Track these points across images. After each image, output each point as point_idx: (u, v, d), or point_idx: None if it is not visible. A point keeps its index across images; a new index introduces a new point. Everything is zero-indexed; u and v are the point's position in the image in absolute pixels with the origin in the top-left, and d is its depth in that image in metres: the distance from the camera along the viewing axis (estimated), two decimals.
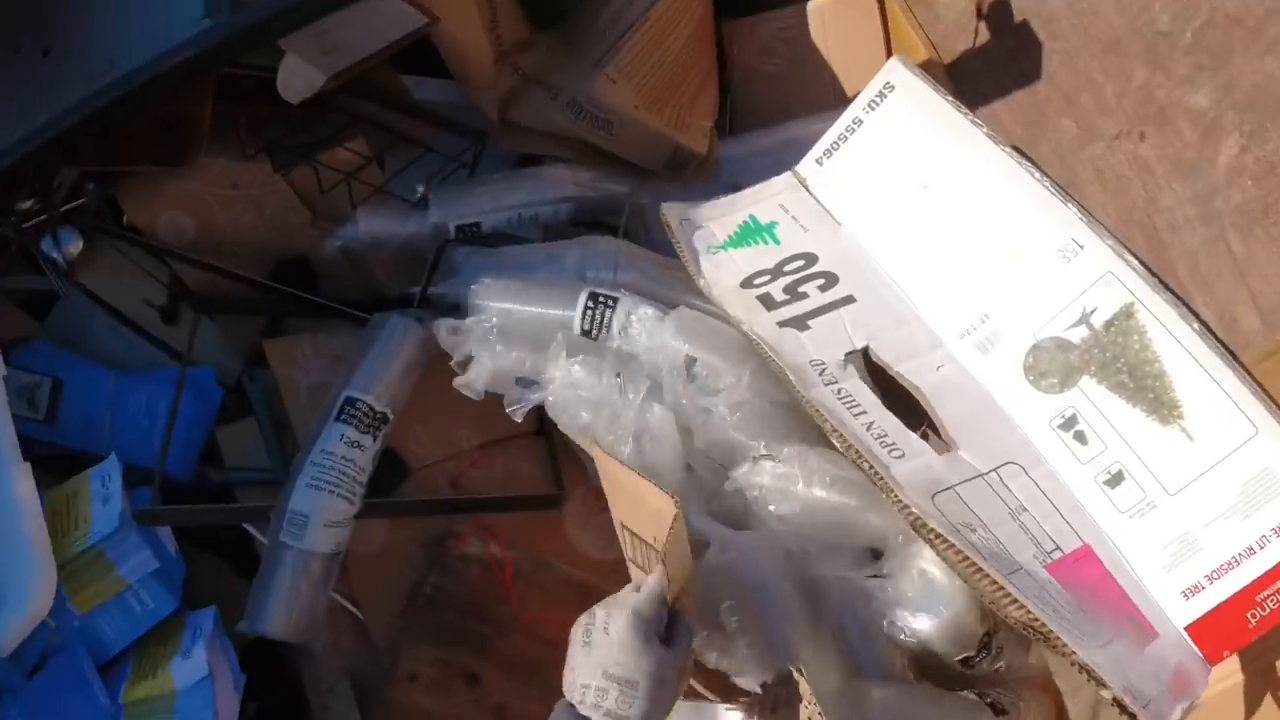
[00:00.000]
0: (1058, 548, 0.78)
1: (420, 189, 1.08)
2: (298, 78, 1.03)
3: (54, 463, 0.99)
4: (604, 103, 1.07)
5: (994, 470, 0.81)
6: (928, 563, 0.81)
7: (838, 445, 0.80)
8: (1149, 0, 0.82)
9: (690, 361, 0.87)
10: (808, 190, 0.97)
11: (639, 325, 0.90)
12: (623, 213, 1.10)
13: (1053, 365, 0.83)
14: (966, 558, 0.70)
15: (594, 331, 0.93)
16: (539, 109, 1.10)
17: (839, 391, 0.83)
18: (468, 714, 0.97)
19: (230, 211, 1.08)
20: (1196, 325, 0.78)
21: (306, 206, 1.10)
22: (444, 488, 1.02)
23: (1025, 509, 0.79)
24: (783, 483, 0.83)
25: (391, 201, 1.08)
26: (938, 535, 0.73)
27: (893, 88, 0.92)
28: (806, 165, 0.98)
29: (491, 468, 1.04)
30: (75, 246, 1.07)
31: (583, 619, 0.64)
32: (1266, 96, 0.75)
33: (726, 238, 0.93)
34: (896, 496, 0.76)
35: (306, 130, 1.10)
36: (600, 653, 0.61)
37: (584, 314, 0.93)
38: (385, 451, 0.97)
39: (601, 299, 0.94)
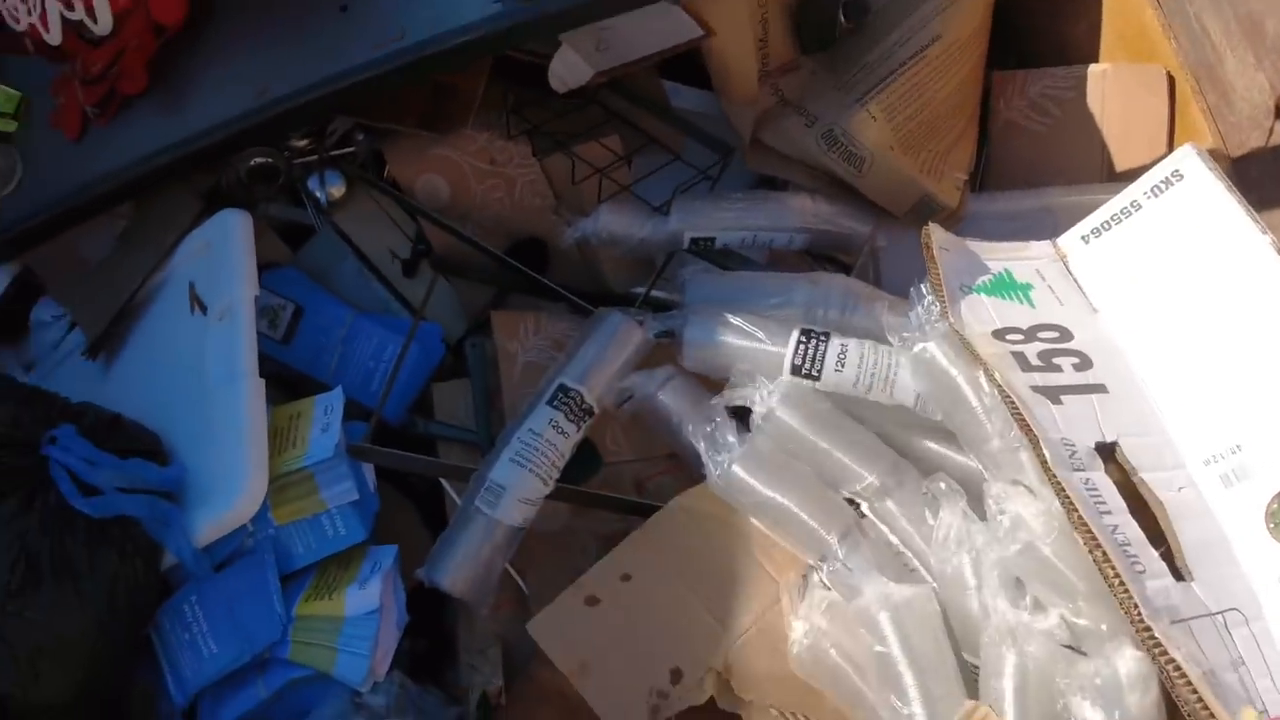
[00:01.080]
0: (1265, 710, 0.71)
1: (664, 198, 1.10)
2: (568, 69, 1.07)
3: (278, 380, 1.04)
4: (860, 138, 1.05)
5: (1221, 613, 0.74)
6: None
7: (1080, 539, 0.74)
8: None
9: None
10: (1066, 266, 0.92)
11: (857, 360, 0.89)
12: (857, 252, 1.09)
13: None
14: (1199, 695, 0.65)
15: (806, 367, 0.93)
16: (792, 134, 1.10)
17: (1086, 481, 0.78)
18: None
19: (484, 184, 1.13)
20: None
21: (554, 193, 1.14)
22: (629, 488, 1.04)
23: (1244, 662, 0.73)
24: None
25: (635, 202, 1.10)
26: (1175, 666, 0.67)
27: (1181, 177, 0.86)
28: (1070, 240, 0.93)
29: (677, 478, 1.05)
30: (338, 189, 1.16)
31: None
32: None
33: (981, 282, 0.89)
34: (1140, 615, 0.70)
35: (567, 120, 1.14)
36: None
37: (796, 349, 0.93)
38: (583, 441, 1.00)
39: (814, 335, 0.93)
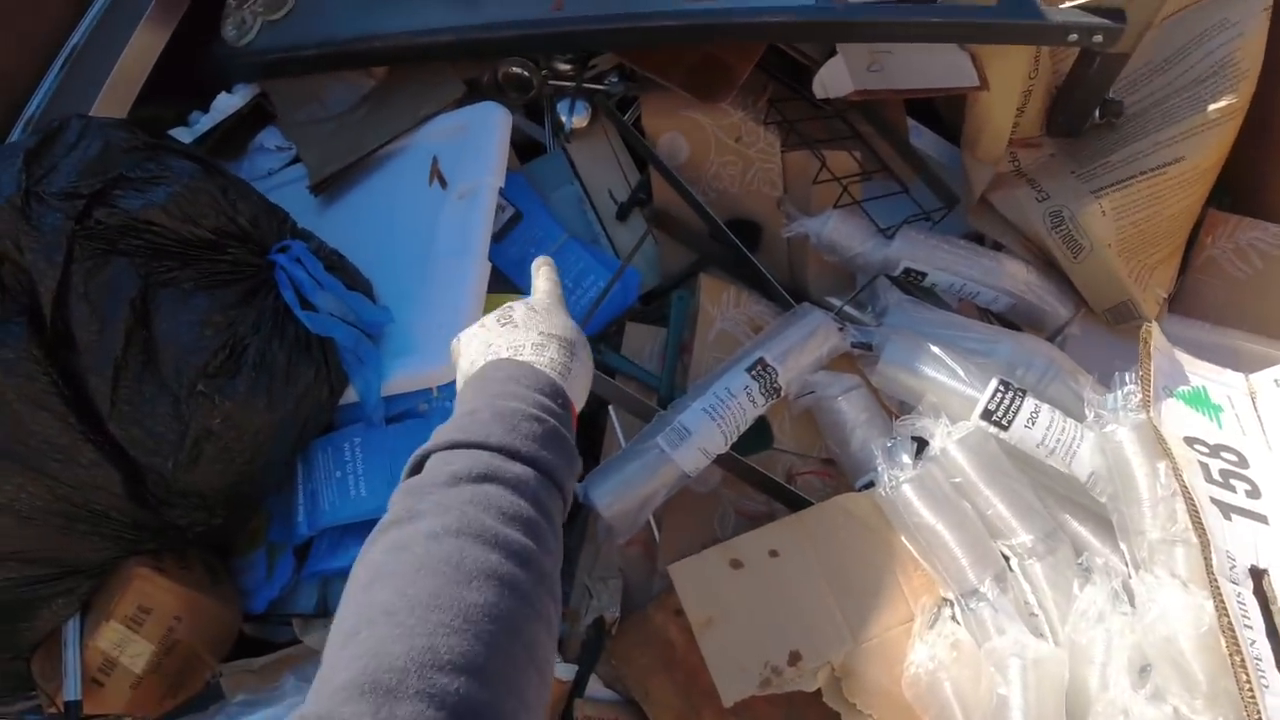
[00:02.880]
0: None
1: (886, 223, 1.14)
2: (834, 79, 1.12)
3: None
4: (1086, 227, 1.10)
5: None
6: None
7: (1224, 644, 0.78)
8: None
9: None
10: (1254, 401, 0.97)
11: (1048, 423, 0.93)
12: (1049, 332, 1.13)
13: None
14: None
15: (998, 415, 0.96)
16: (1020, 203, 1.14)
17: (1239, 595, 0.82)
18: None
19: (723, 157, 1.17)
20: None
21: (784, 185, 1.18)
22: (780, 477, 1.07)
23: None
24: None
25: (863, 218, 1.14)
26: None
27: None
28: (1263, 379, 0.98)
29: (826, 482, 1.08)
30: (582, 120, 1.20)
31: None
32: None
33: (1181, 390, 0.94)
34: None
35: (820, 124, 1.18)
36: None
37: (993, 395, 0.97)
38: (760, 418, 1.03)
39: (1012, 388, 0.97)
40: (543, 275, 0.79)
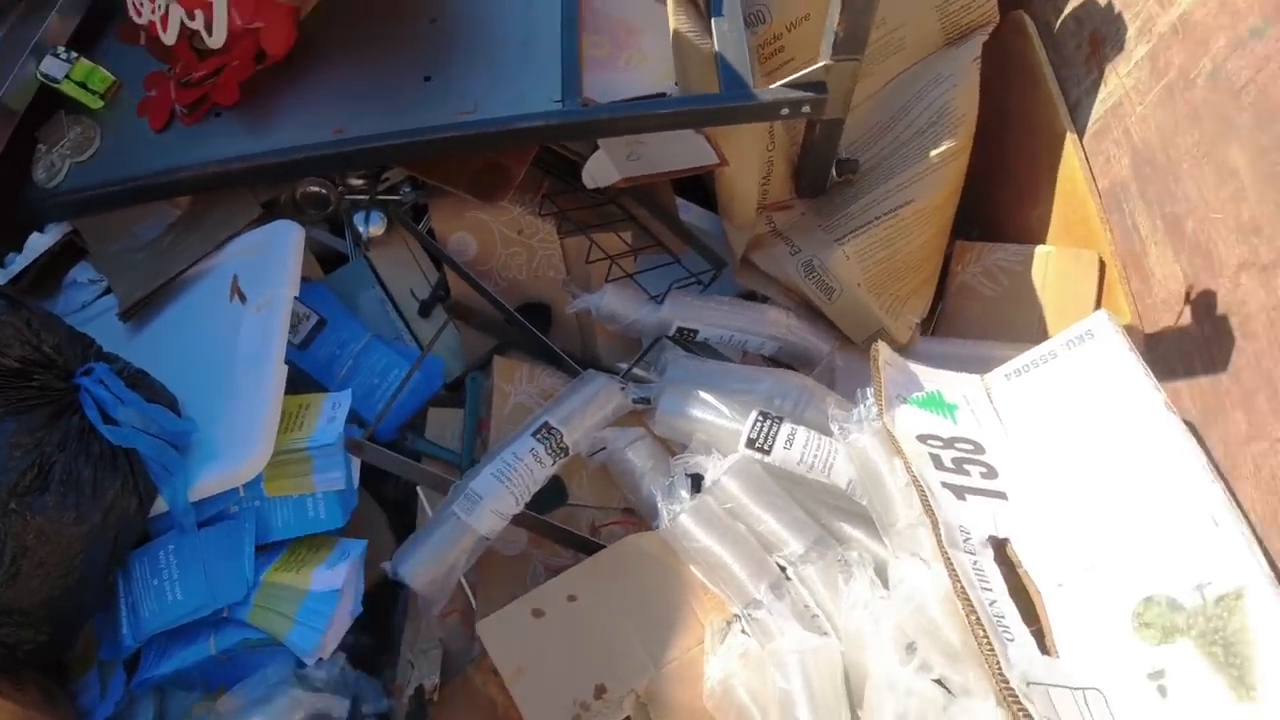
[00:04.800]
0: None
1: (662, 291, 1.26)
2: (600, 170, 1.24)
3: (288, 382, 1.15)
4: (834, 272, 1.23)
5: (1082, 690, 0.87)
6: None
7: (960, 607, 0.87)
8: None
9: None
10: (989, 397, 1.09)
11: (803, 442, 1.03)
12: (816, 366, 1.25)
13: (1158, 619, 0.89)
14: None
15: (760, 442, 1.07)
16: (778, 259, 1.27)
17: (975, 563, 0.92)
18: None
19: (508, 249, 1.28)
20: None
21: (566, 268, 1.30)
22: (585, 530, 1.15)
23: None
24: None
25: (635, 289, 1.26)
26: (1025, 715, 0.80)
27: (1093, 335, 1.04)
28: (995, 377, 1.10)
29: (628, 529, 1.16)
30: (378, 228, 1.31)
31: None
32: None
33: (914, 396, 1.05)
34: (999, 670, 0.83)
35: (590, 211, 1.31)
36: None
37: (754, 426, 1.07)
38: (554, 478, 1.12)
39: (770, 417, 1.08)
40: None
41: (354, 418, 1.14)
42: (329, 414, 1.08)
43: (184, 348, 1.15)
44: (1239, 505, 0.93)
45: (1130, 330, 1.15)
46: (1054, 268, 1.26)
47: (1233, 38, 1.05)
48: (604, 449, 1.14)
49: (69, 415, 0.98)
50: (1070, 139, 1.28)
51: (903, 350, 1.25)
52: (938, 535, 0.91)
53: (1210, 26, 1.09)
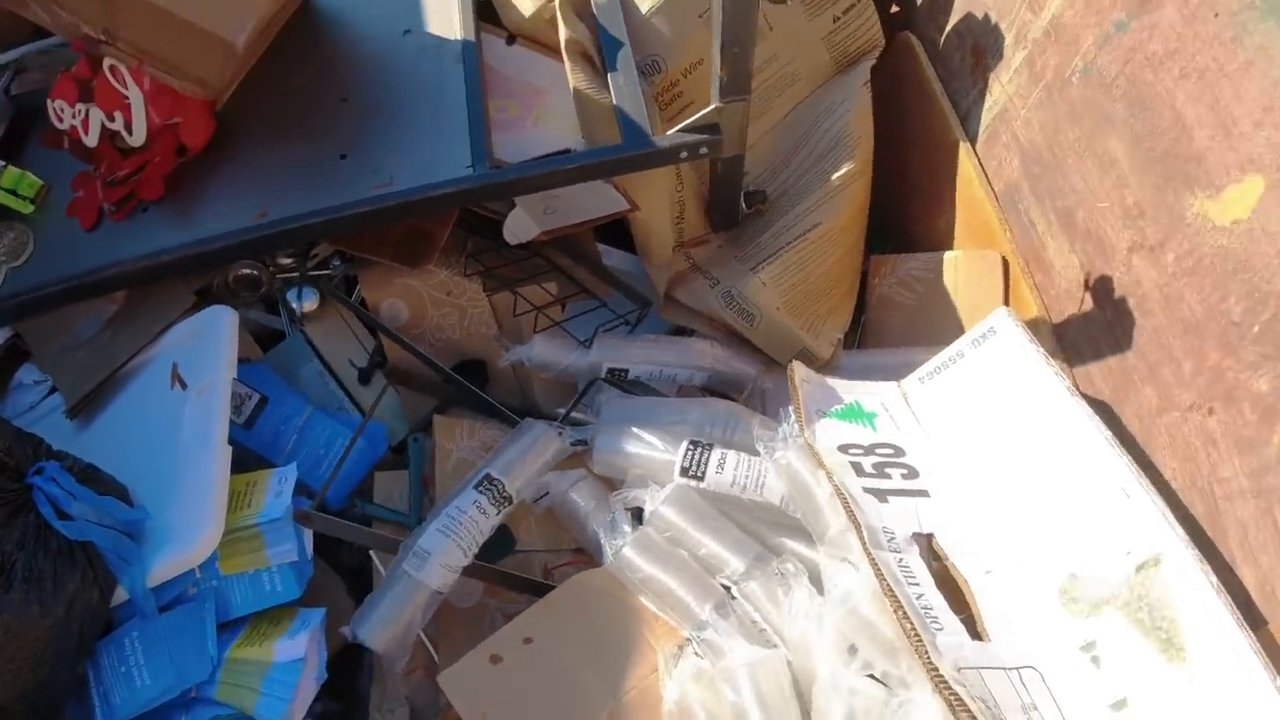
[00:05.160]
0: None
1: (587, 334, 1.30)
2: (520, 226, 1.29)
3: (236, 461, 1.17)
4: (752, 299, 1.28)
5: (1016, 669, 0.91)
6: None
7: (888, 604, 0.91)
8: (1225, 293, 0.95)
9: None
10: (907, 401, 1.14)
11: (734, 465, 1.07)
12: (745, 390, 1.29)
13: (1085, 593, 0.93)
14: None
15: (693, 469, 1.11)
16: (699, 293, 1.33)
17: (900, 560, 0.96)
18: None
19: (439, 311, 1.33)
20: (1214, 579, 0.87)
21: (497, 323, 1.34)
22: (538, 574, 1.18)
23: (1036, 708, 0.88)
24: None
25: (564, 336, 1.31)
26: (957, 699, 0.83)
27: (995, 332, 1.09)
28: (910, 382, 1.15)
29: (581, 569, 1.18)
30: (311, 303, 1.34)
31: None
32: None
33: (834, 409, 1.09)
34: (928, 658, 0.86)
35: (514, 266, 1.36)
36: None
37: (685, 454, 1.12)
38: (500, 526, 1.15)
39: (700, 445, 1.12)
40: None
41: (303, 489, 1.17)
42: (276, 489, 1.11)
43: (131, 438, 1.18)
44: (1155, 473, 0.98)
45: (1038, 321, 1.21)
46: (963, 271, 1.32)
47: (1100, 35, 1.12)
48: (548, 493, 1.17)
49: (24, 514, 1.01)
50: (964, 147, 1.35)
51: (827, 366, 1.31)
52: (862, 539, 0.95)
53: (1079, 26, 1.15)
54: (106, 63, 1.25)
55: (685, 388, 1.33)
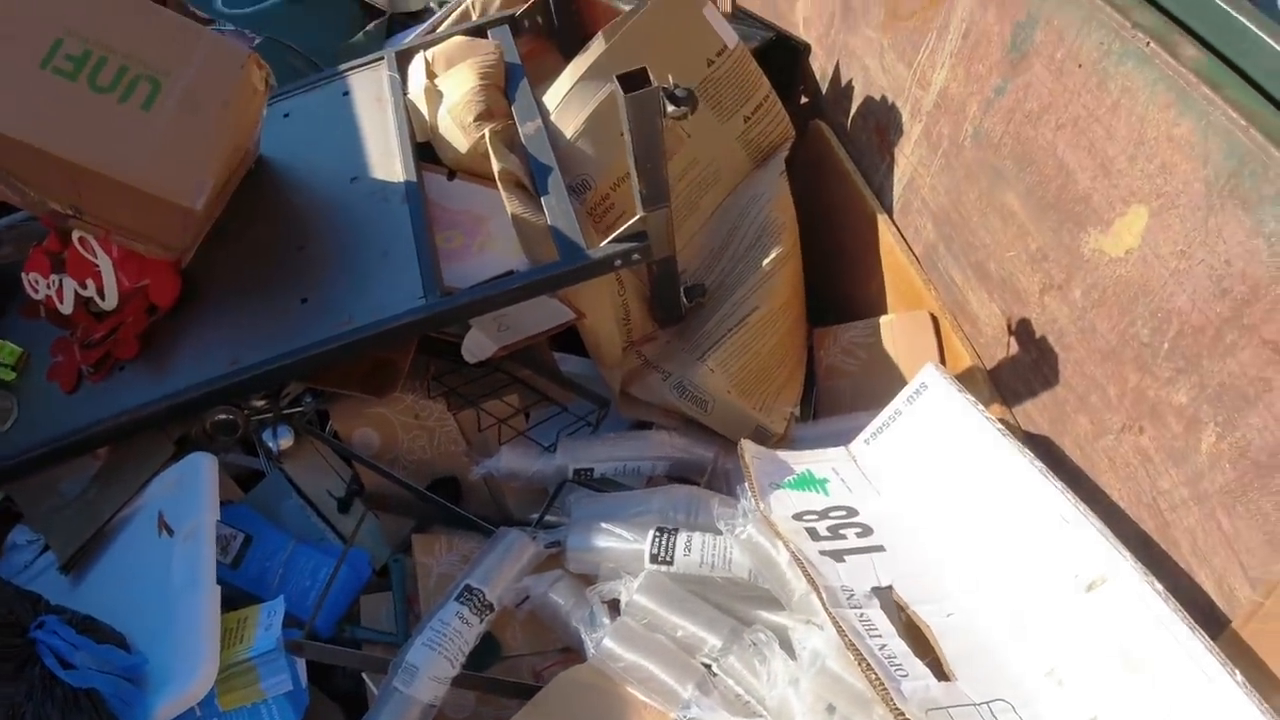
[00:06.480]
0: None
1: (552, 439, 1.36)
2: (477, 345, 1.36)
3: (225, 599, 1.20)
4: (703, 386, 1.34)
5: (986, 703, 0.94)
6: None
7: (852, 658, 0.95)
8: (1132, 318, 1.01)
9: None
10: (856, 463, 1.20)
11: (700, 545, 1.12)
12: (707, 472, 1.35)
13: (1041, 622, 0.98)
14: None
15: (661, 555, 1.15)
16: (653, 387, 1.39)
17: (861, 615, 1.00)
18: None
19: (409, 435, 1.39)
20: (1159, 588, 0.92)
21: (465, 440, 1.40)
22: (528, 678, 1.21)
23: None
24: None
25: (529, 444, 1.37)
26: None
27: (927, 387, 1.16)
28: (857, 444, 1.21)
29: (569, 668, 1.22)
30: (287, 441, 1.40)
31: None
32: (1231, 392, 0.90)
33: (786, 480, 1.15)
34: (895, 704, 0.90)
35: (476, 383, 1.43)
36: None
37: (653, 542, 1.17)
38: (486, 635, 1.18)
39: (666, 530, 1.17)
40: None
41: (292, 620, 1.20)
42: (265, 622, 1.15)
43: (123, 586, 1.22)
44: (1103, 495, 1.03)
45: (973, 370, 1.28)
46: (898, 332, 1.39)
47: (982, 100, 1.22)
48: (528, 597, 1.21)
49: (30, 666, 1.05)
50: (882, 219, 1.44)
51: (783, 440, 1.36)
52: (822, 599, 0.99)
53: (963, 95, 1.26)
54: (75, 234, 1.35)
55: (653, 478, 1.39)
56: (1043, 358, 1.17)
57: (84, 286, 1.34)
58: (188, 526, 1.20)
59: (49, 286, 1.37)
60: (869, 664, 0.93)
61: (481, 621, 1.17)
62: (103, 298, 1.34)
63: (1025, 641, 0.98)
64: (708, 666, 1.10)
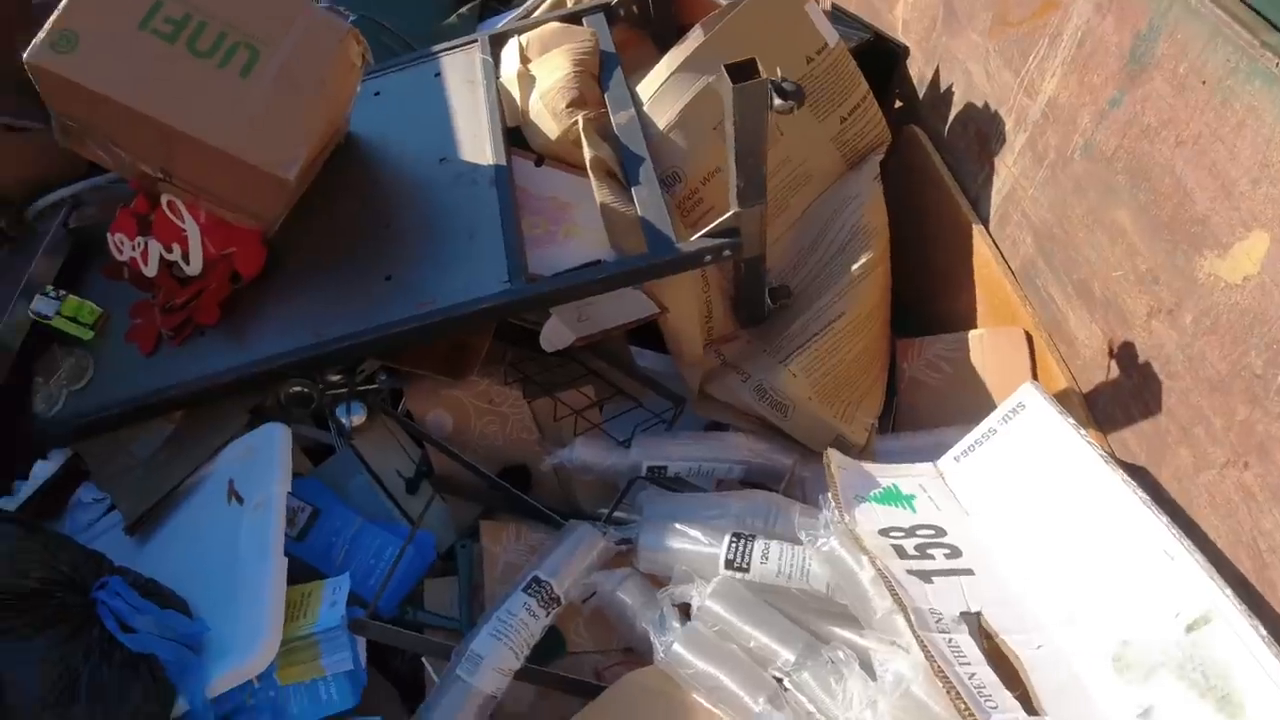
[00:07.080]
0: None
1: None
2: (556, 334, 1.34)
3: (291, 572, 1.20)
4: (784, 391, 1.31)
5: None
6: None
7: (940, 684, 0.91)
8: (1246, 348, 0.96)
9: None
10: (944, 481, 1.15)
11: (778, 555, 1.09)
12: (783, 480, 1.31)
13: (1138, 659, 0.93)
14: None
15: (737, 561, 1.12)
16: (731, 388, 1.36)
17: (949, 640, 0.96)
18: None
19: (482, 420, 1.38)
20: (1263, 632, 0.87)
21: (538, 428, 1.38)
22: (589, 676, 1.18)
23: None
24: None
25: (604, 438, 1.35)
26: None
27: (1024, 407, 1.11)
28: (946, 461, 1.17)
29: (632, 669, 1.18)
30: (359, 417, 1.39)
31: None
32: None
33: (872, 494, 1.11)
34: None
35: (551, 372, 1.41)
36: None
37: (729, 547, 1.14)
38: (551, 629, 1.16)
39: (743, 537, 1.14)
40: None
41: (355, 599, 1.19)
42: (330, 599, 1.14)
43: (189, 552, 1.22)
44: (1199, 532, 0.98)
45: (1068, 392, 1.23)
46: (989, 348, 1.35)
47: (1095, 112, 1.17)
48: (595, 593, 1.19)
49: (89, 628, 1.04)
50: (977, 230, 1.39)
51: (863, 451, 1.32)
52: (909, 621, 0.95)
53: (1075, 106, 1.21)
54: (164, 198, 1.35)
55: (724, 481, 1.36)
56: (1145, 384, 1.12)
57: (169, 250, 1.34)
58: (258, 496, 1.20)
59: (134, 248, 1.37)
60: (958, 692, 0.89)
61: (548, 615, 1.15)
62: (187, 263, 1.34)
63: (1121, 680, 0.93)
64: (779, 680, 1.07)
